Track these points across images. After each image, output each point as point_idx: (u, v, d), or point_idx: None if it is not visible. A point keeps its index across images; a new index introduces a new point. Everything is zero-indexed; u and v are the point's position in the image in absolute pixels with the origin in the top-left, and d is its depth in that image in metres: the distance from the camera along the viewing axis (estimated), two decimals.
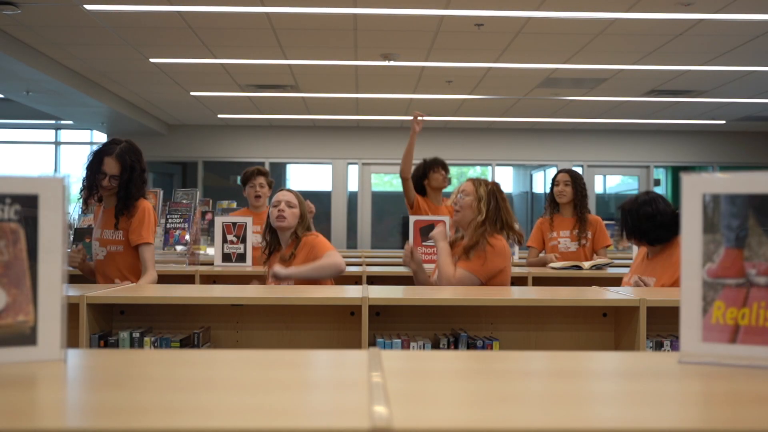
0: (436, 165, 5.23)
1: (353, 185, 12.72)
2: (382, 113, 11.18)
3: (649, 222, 3.21)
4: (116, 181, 3.35)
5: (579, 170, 12.71)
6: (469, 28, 6.49)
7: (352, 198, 12.71)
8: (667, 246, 3.25)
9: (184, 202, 4.99)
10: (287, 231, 3.55)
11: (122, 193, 3.35)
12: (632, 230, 3.26)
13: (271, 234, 3.63)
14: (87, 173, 3.39)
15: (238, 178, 12.60)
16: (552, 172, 12.83)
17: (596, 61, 7.71)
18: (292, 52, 7.44)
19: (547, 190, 5.15)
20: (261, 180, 5.07)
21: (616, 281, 4.13)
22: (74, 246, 3.83)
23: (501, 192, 3.31)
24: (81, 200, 3.53)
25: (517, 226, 3.30)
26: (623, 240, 3.67)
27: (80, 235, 4.70)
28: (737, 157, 12.69)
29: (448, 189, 5.34)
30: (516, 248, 5.43)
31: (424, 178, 5.23)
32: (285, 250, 3.54)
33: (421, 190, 5.23)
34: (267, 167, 12.47)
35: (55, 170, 12.54)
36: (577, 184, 4.90)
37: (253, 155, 12.41)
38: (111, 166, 3.33)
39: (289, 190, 3.66)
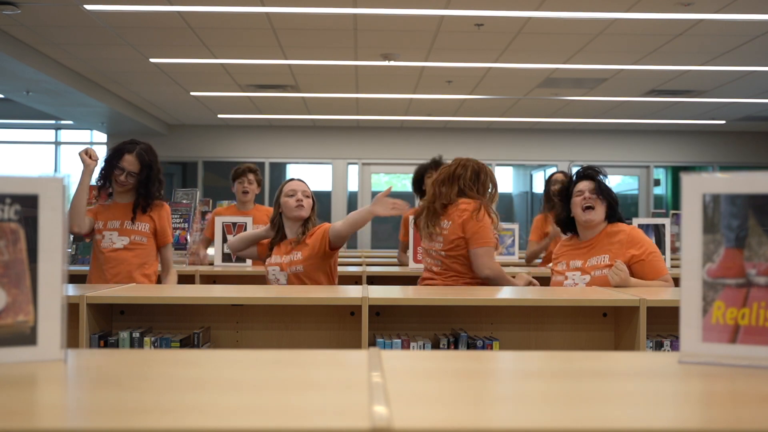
0: (431, 168, 4.74)
1: (353, 185, 12.73)
2: (382, 113, 11.19)
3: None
4: (133, 178, 3.55)
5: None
6: (469, 28, 6.49)
7: (352, 198, 12.72)
8: (604, 229, 3.19)
9: (184, 202, 5.00)
10: (300, 221, 3.46)
11: (143, 191, 3.57)
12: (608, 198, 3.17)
13: (278, 225, 3.52)
14: (105, 166, 3.56)
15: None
16: (552, 171, 12.85)
17: (596, 61, 7.71)
18: (292, 52, 7.44)
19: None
20: (250, 177, 5.10)
21: None
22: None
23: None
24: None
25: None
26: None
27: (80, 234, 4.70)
28: (737, 157, 12.70)
29: None
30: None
31: (422, 182, 4.88)
32: (290, 240, 3.46)
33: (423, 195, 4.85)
34: (267, 167, 12.50)
35: (55, 170, 12.54)
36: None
37: (253, 155, 12.41)
38: (130, 162, 3.54)
39: (300, 180, 3.57)
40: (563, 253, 3.27)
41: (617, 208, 3.20)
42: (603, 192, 3.17)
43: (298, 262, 3.35)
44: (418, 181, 4.94)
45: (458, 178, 3.42)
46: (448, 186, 3.42)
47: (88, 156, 3.45)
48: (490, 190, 3.44)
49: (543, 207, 5.25)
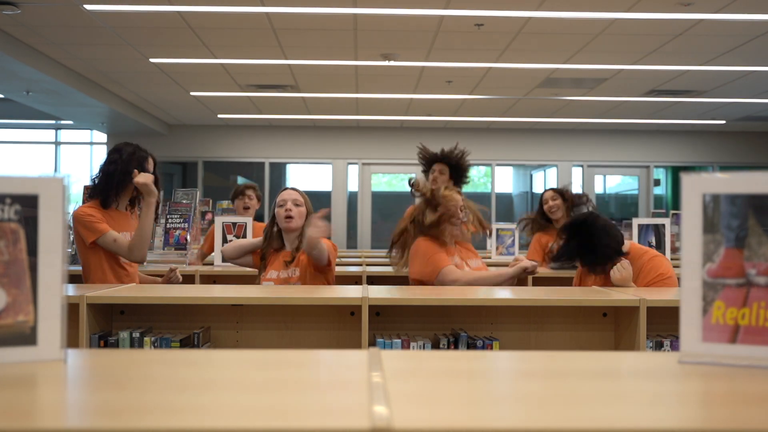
0: (434, 162, 4.51)
1: (353, 185, 12.72)
2: (382, 113, 11.19)
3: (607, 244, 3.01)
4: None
5: (579, 170, 12.79)
6: (469, 28, 6.49)
7: (352, 198, 12.72)
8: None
9: (184, 202, 4.99)
10: (295, 232, 3.36)
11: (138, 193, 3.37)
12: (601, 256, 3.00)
13: (276, 234, 3.41)
14: (125, 172, 3.22)
15: (239, 178, 12.66)
16: (552, 172, 12.86)
17: (596, 61, 7.71)
18: (292, 52, 7.44)
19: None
20: (250, 193, 5.23)
21: None
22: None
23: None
24: (100, 200, 3.27)
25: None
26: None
27: None
28: (737, 157, 12.70)
29: (466, 188, 4.77)
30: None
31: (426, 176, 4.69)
32: (288, 252, 3.36)
33: None
34: (267, 167, 12.50)
35: (55, 170, 12.53)
36: (564, 196, 4.88)
37: (253, 155, 12.41)
38: (152, 165, 3.33)
39: (294, 189, 3.45)
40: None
41: (606, 250, 2.99)
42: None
43: (295, 280, 3.26)
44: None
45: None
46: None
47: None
48: (433, 214, 3.31)
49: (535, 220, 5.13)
